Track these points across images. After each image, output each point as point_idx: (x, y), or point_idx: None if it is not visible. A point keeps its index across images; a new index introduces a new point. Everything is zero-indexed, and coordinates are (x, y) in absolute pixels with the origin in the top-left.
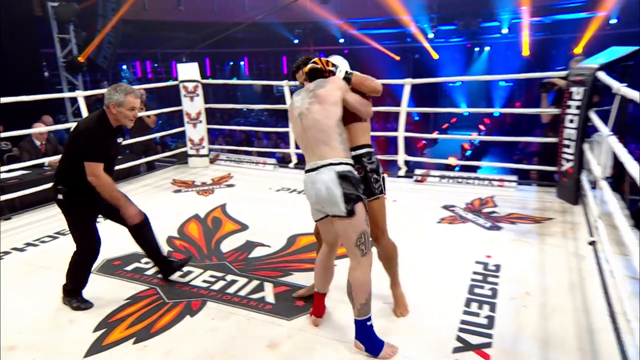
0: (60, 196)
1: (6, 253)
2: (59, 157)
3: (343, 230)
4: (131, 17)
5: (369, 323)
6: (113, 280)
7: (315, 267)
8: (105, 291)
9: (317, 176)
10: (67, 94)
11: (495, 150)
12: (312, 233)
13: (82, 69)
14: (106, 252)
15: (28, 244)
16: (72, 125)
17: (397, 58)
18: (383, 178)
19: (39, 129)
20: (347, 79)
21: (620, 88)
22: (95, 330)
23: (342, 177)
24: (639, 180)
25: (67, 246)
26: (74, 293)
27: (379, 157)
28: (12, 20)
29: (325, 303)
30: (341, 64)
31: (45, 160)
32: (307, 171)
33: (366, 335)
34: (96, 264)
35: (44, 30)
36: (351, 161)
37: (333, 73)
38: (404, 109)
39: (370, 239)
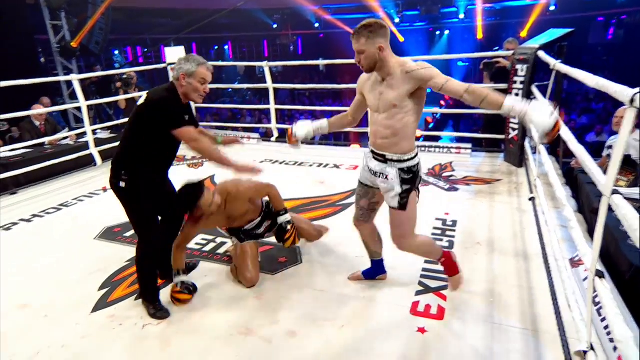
0: (122, 184)
1: (14, 224)
2: (58, 136)
3: None
4: (121, 5)
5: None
6: (114, 245)
7: (432, 241)
8: (108, 254)
9: None
10: (62, 78)
11: (454, 123)
12: (295, 198)
13: (76, 54)
14: (106, 221)
15: (34, 215)
16: (69, 106)
17: None
18: None
19: (38, 110)
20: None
21: (556, 64)
22: (100, 288)
23: None
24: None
25: (71, 215)
26: (149, 297)
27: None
28: (5, 8)
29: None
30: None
31: (46, 139)
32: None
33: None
34: (98, 232)
35: (37, 18)
36: None
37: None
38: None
39: None
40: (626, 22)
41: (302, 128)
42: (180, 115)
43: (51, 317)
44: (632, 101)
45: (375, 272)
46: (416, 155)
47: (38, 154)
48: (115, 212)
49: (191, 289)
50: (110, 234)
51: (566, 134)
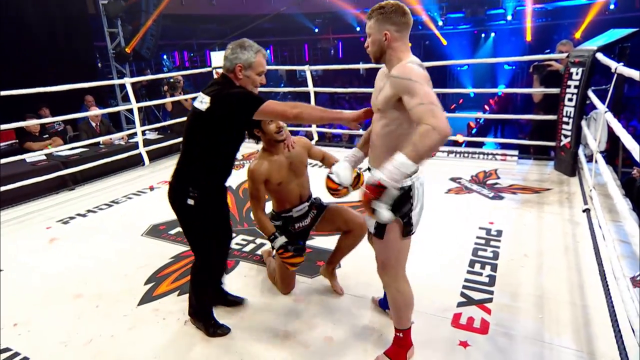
0: (191, 201)
1: (71, 218)
2: (113, 135)
3: None
4: (170, 12)
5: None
6: (159, 242)
7: (412, 300)
8: (153, 251)
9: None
10: (116, 81)
11: (499, 128)
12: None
13: (129, 59)
14: (152, 219)
15: (89, 211)
16: (122, 108)
17: (409, 44)
18: None
19: (96, 111)
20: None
21: (617, 67)
22: (146, 283)
23: None
24: (636, 153)
25: (121, 212)
26: (205, 316)
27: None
28: (69, 18)
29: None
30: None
31: (100, 139)
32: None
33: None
34: (144, 229)
35: (95, 26)
36: None
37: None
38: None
39: None
40: None
41: (344, 173)
42: (255, 94)
43: (101, 307)
44: None
45: (387, 303)
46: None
47: (94, 152)
48: (160, 210)
49: (300, 249)
50: (156, 231)
51: (629, 141)
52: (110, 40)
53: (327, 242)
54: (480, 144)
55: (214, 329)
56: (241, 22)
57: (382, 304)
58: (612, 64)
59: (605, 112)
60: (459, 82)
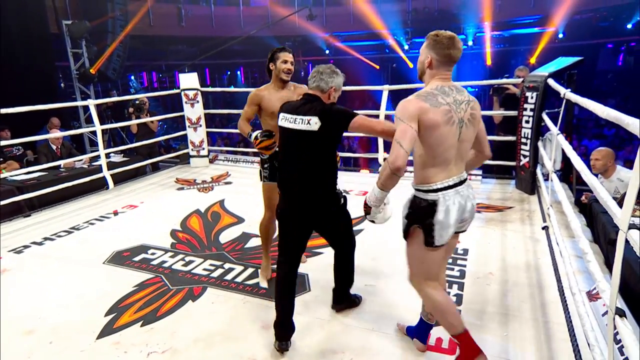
0: (342, 201)
1: (25, 247)
2: (75, 158)
3: (456, 241)
4: (138, 33)
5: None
6: (123, 269)
7: (450, 306)
8: (116, 279)
9: (469, 189)
10: (80, 102)
11: None
12: None
13: (94, 80)
14: (116, 245)
15: (46, 238)
16: (85, 130)
17: (377, 67)
18: None
19: (56, 134)
20: None
21: (566, 93)
22: (107, 314)
23: None
24: (585, 174)
25: (81, 239)
26: (349, 295)
27: (362, 155)
28: (30, 37)
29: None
30: None
31: (61, 162)
32: (452, 186)
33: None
34: (107, 256)
35: (58, 46)
36: None
37: None
38: (382, 112)
39: None
40: (636, 49)
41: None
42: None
43: (56, 343)
44: None
45: (417, 333)
46: (426, 191)
47: (53, 176)
48: (125, 236)
49: (268, 134)
50: (119, 259)
51: (578, 163)
52: (73, 61)
53: None
54: None
55: (358, 300)
56: (211, 44)
57: (409, 332)
58: (561, 90)
59: (558, 134)
60: None
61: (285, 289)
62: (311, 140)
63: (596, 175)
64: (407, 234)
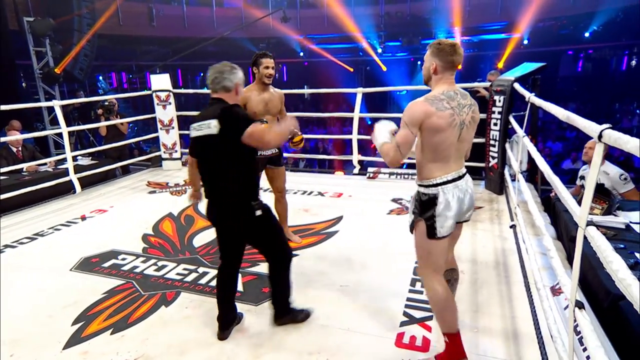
0: (259, 212)
1: None
2: (37, 162)
3: (460, 231)
4: (107, 32)
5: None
6: (91, 276)
7: (453, 301)
8: (84, 287)
9: (467, 183)
10: (44, 103)
11: None
12: None
13: (59, 80)
14: (84, 251)
15: (6, 246)
16: (49, 132)
17: (351, 70)
18: None
19: (15, 136)
20: None
21: (530, 97)
22: (74, 323)
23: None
24: (547, 174)
25: (46, 246)
26: (288, 310)
27: (337, 157)
28: None
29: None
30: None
31: (23, 165)
32: (451, 181)
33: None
34: (74, 263)
35: (19, 44)
36: None
37: None
38: (357, 114)
39: None
40: (593, 56)
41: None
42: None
43: (18, 356)
44: (600, 137)
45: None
46: (427, 186)
47: (14, 181)
48: (94, 242)
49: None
50: (88, 265)
51: (542, 164)
52: (37, 60)
53: None
54: None
55: (303, 314)
56: (184, 45)
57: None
58: (526, 94)
59: (523, 136)
60: (399, 106)
61: (219, 284)
62: (213, 144)
63: (584, 163)
64: (412, 228)
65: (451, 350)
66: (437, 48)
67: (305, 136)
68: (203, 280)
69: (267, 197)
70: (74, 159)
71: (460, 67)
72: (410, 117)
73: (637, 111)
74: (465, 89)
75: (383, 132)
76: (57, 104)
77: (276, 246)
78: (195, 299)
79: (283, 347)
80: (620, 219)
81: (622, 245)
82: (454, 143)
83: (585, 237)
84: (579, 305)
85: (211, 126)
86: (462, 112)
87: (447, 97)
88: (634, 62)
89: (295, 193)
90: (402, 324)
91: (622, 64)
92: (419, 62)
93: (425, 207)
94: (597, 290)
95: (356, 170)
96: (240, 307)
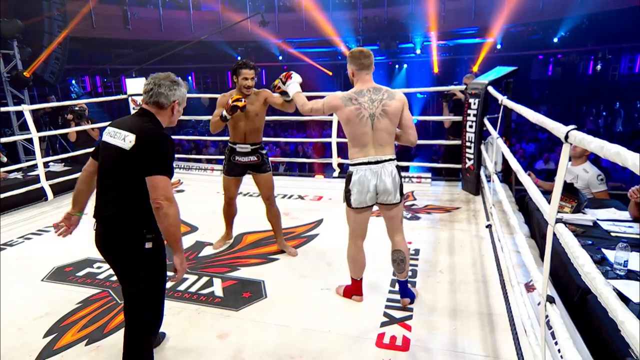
0: (149, 245)
1: None
2: (5, 169)
3: (395, 213)
4: (80, 35)
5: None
6: (65, 286)
7: (361, 259)
8: (57, 297)
9: (383, 169)
10: (12, 108)
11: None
12: (258, 231)
13: (28, 84)
14: (57, 260)
15: None
16: (18, 137)
17: (330, 73)
18: None
19: None
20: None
21: (503, 100)
22: (46, 335)
23: (398, 171)
24: (520, 174)
25: (16, 255)
26: None
27: (316, 160)
28: None
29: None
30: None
31: None
32: (365, 163)
33: (409, 290)
34: (46, 273)
35: None
36: None
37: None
38: (335, 117)
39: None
40: (562, 60)
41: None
42: (172, 159)
43: None
44: (566, 137)
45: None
46: (349, 165)
47: None
48: (67, 250)
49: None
50: (61, 275)
51: (515, 164)
52: (4, 63)
53: (252, 273)
54: (405, 169)
55: None
56: (160, 48)
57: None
58: (499, 97)
59: (497, 137)
60: None
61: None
62: (121, 159)
63: (570, 159)
64: (344, 199)
65: (351, 288)
66: (350, 56)
67: (284, 140)
68: (182, 287)
69: (258, 202)
70: (46, 165)
71: (373, 67)
72: (328, 102)
73: (604, 113)
74: (442, 91)
75: (297, 83)
76: (26, 108)
77: (144, 303)
78: (175, 305)
79: (264, 352)
80: (589, 216)
81: (590, 242)
82: (368, 132)
83: (555, 234)
84: (550, 299)
85: (125, 140)
86: (372, 106)
87: (358, 95)
88: (599, 67)
89: (275, 197)
90: (383, 324)
91: (589, 69)
92: (396, 66)
93: (347, 181)
94: (567, 285)
95: (336, 174)
96: (219, 312)
